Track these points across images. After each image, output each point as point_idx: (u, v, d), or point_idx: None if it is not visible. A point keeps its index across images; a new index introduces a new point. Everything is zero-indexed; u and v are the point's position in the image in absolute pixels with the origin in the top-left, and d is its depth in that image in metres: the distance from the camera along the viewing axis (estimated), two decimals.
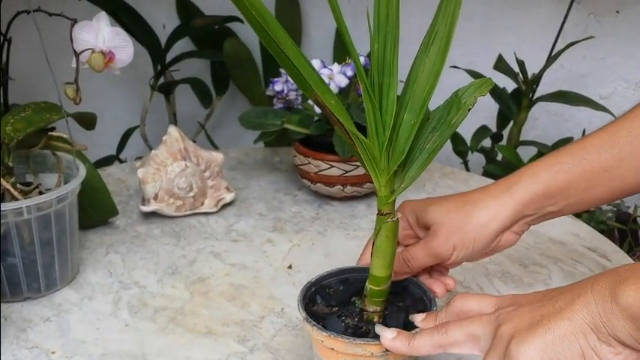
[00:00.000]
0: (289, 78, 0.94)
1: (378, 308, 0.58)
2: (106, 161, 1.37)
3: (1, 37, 1.01)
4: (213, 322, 0.70)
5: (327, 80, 0.90)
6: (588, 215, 1.30)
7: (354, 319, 0.58)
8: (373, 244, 0.56)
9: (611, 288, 0.43)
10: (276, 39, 0.47)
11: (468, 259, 0.64)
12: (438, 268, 0.65)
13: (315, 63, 0.92)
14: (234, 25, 1.45)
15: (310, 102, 0.92)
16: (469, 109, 0.52)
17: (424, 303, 0.60)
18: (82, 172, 0.74)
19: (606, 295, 0.43)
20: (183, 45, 1.48)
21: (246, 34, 1.44)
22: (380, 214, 0.55)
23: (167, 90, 1.40)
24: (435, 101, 0.56)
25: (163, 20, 1.50)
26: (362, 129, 0.52)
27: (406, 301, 0.61)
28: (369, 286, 0.57)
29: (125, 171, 1.06)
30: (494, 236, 0.61)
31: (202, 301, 0.74)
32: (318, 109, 0.90)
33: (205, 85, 1.39)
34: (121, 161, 1.41)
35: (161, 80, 1.40)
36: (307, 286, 0.61)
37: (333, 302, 0.60)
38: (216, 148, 1.48)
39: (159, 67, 1.37)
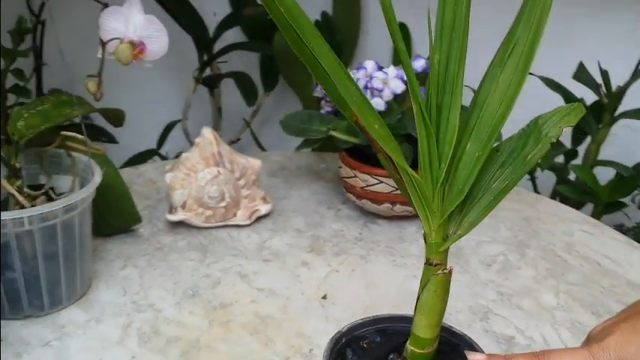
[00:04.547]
0: None
1: None
2: (146, 156, 1.30)
3: (35, 20, 0.95)
4: None
5: (380, 85, 0.79)
6: None
7: None
8: (418, 299, 0.46)
9: None
10: (309, 43, 0.37)
11: None
12: None
13: (369, 64, 0.81)
14: None
15: None
16: (552, 143, 0.41)
17: None
18: (97, 178, 0.66)
19: None
20: (235, 36, 1.40)
21: None
22: (429, 264, 0.44)
23: (211, 83, 1.31)
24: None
25: (215, 7, 1.42)
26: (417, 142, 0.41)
27: None
28: (410, 347, 0.47)
29: (158, 170, 0.98)
30: None
31: (221, 333, 0.65)
32: None
33: (251, 80, 1.30)
34: (162, 156, 1.34)
35: (207, 72, 1.32)
36: (336, 337, 0.51)
37: (366, 359, 0.50)
38: (261, 147, 1.39)
39: (205, 58, 1.29)
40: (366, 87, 0.80)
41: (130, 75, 1.31)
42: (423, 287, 0.45)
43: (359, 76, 0.81)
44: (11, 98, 1.19)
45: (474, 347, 0.51)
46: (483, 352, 0.49)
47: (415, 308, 0.46)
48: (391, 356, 0.50)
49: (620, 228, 1.21)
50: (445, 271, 0.44)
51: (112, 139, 1.36)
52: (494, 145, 0.43)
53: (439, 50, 0.41)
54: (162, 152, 1.34)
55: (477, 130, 0.42)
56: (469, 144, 0.42)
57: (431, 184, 0.42)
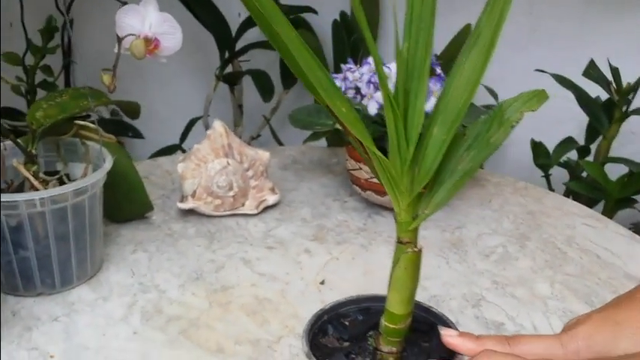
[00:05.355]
0: (347, 75, 0.86)
1: (394, 349, 0.50)
2: (169, 150, 1.35)
3: (63, 19, 0.99)
4: (226, 339, 0.64)
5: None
6: None
7: (366, 358, 0.51)
8: (390, 276, 0.48)
9: None
10: (280, 30, 0.40)
11: None
12: None
13: (372, 60, 0.83)
14: (309, 16, 1.38)
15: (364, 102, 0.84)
16: (512, 127, 0.43)
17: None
18: (107, 164, 0.70)
19: None
20: (259, 35, 1.43)
21: (321, 26, 1.37)
22: (399, 242, 0.47)
23: (232, 81, 1.35)
24: None
25: (239, 8, 1.46)
26: None
27: (432, 341, 0.53)
28: (384, 323, 0.50)
29: (174, 163, 1.02)
30: None
31: (220, 314, 0.68)
32: (372, 110, 0.82)
33: (268, 77, 1.34)
34: (184, 151, 1.38)
35: (229, 70, 1.36)
36: (318, 314, 0.54)
37: (345, 335, 0.53)
38: (280, 143, 1.42)
39: (226, 56, 1.33)
40: (369, 81, 0.82)
41: (155, 73, 1.36)
42: (394, 265, 0.48)
43: (363, 71, 0.83)
44: (42, 94, 1.25)
45: (449, 326, 0.53)
46: (457, 330, 0.51)
47: (388, 285, 0.49)
48: (370, 333, 0.53)
49: (636, 226, 1.20)
50: (415, 249, 0.47)
51: (138, 135, 1.41)
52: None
53: (408, 38, 0.44)
54: (185, 147, 1.39)
55: (444, 115, 0.44)
56: (436, 128, 0.45)
57: (399, 165, 0.44)
